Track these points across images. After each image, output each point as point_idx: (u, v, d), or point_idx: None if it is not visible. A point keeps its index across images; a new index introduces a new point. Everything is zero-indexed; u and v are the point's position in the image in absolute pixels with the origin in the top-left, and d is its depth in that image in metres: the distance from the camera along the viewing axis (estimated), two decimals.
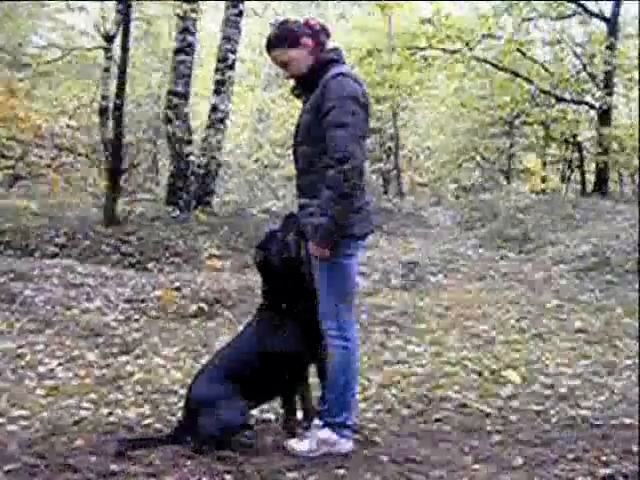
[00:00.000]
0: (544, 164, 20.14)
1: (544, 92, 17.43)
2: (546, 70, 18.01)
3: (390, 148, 21.54)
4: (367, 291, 7.80)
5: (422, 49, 17.22)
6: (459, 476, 3.45)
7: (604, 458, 3.60)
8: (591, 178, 18.12)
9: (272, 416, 4.27)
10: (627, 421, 4.22)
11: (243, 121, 19.74)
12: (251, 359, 3.77)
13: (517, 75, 17.27)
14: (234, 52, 13.66)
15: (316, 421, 3.81)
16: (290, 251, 3.73)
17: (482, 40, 17.41)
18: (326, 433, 3.73)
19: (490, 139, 20.79)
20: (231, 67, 13.55)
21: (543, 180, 19.04)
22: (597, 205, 13.32)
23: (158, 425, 4.19)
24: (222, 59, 13.46)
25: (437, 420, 4.26)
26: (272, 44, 3.80)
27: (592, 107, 17.58)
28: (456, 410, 4.42)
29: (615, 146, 17.73)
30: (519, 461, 3.60)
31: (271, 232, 3.85)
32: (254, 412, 4.09)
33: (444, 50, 17.21)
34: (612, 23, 16.97)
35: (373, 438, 3.97)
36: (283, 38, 3.76)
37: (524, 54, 17.50)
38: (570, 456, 3.65)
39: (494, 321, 6.67)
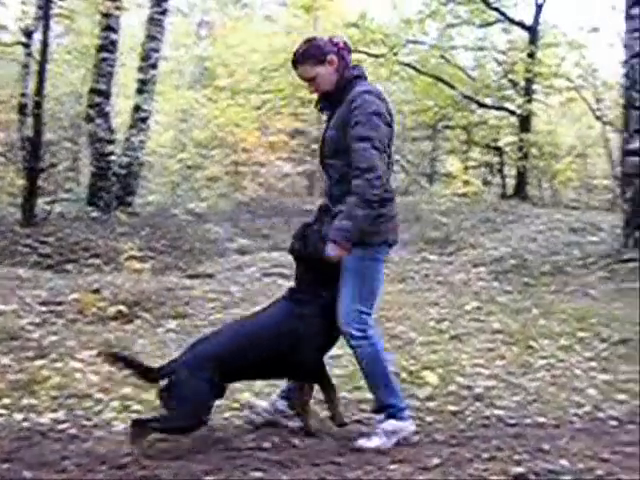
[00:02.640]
0: (466, 168, 20.43)
1: (466, 97, 17.72)
2: (468, 76, 18.35)
3: (315, 150, 21.58)
4: None
5: None
6: (375, 477, 3.47)
7: (517, 457, 3.68)
8: (511, 182, 18.50)
9: None
10: (540, 420, 4.33)
11: (167, 121, 19.52)
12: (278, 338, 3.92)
13: (440, 80, 17.51)
14: (157, 51, 13.55)
15: (377, 416, 3.99)
16: (324, 241, 3.85)
17: (406, 45, 17.61)
18: (390, 424, 3.90)
19: (413, 142, 21.04)
20: (154, 66, 13.45)
21: (465, 184, 19.33)
22: (516, 209, 13.62)
23: (73, 431, 4.11)
24: (145, 58, 13.33)
25: (355, 422, 4.29)
26: (299, 60, 3.96)
27: (513, 113, 17.94)
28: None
29: (534, 151, 18.13)
30: (434, 461, 3.63)
31: (307, 224, 4.05)
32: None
33: (369, 54, 17.34)
34: (533, 31, 17.36)
35: (292, 441, 3.96)
36: (310, 55, 3.93)
37: (447, 60, 17.77)
38: (484, 455, 3.71)
39: (414, 322, 6.72)
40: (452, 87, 17.39)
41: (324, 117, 4.21)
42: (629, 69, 9.91)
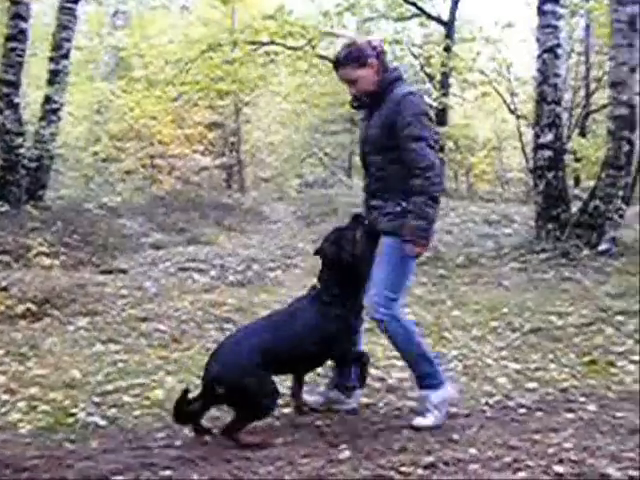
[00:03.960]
0: None
1: None
2: None
3: (233, 143, 21.45)
4: (204, 288, 7.73)
5: (265, 44, 17.22)
6: (287, 471, 3.45)
7: (427, 447, 3.71)
8: None
9: (99, 419, 4.19)
10: (452, 410, 4.36)
11: (80, 112, 19.08)
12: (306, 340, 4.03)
13: None
14: (70, 40, 13.21)
15: (423, 392, 4.15)
16: (359, 248, 4.10)
17: (324, 38, 17.61)
18: (437, 396, 4.10)
19: (332, 135, 21.12)
20: (66, 56, 13.11)
21: None
22: None
23: None
24: (56, 47, 12.99)
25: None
26: (341, 63, 4.14)
27: (429, 106, 18.12)
28: (287, 405, 4.41)
29: (450, 144, 18.41)
30: (346, 454, 3.63)
31: (339, 229, 4.26)
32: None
33: (287, 46, 17.28)
34: (449, 26, 17.60)
35: (203, 438, 3.92)
36: (353, 58, 4.09)
37: None
38: (396, 446, 3.73)
39: None
40: None
41: (359, 116, 4.50)
42: (541, 64, 10.12)
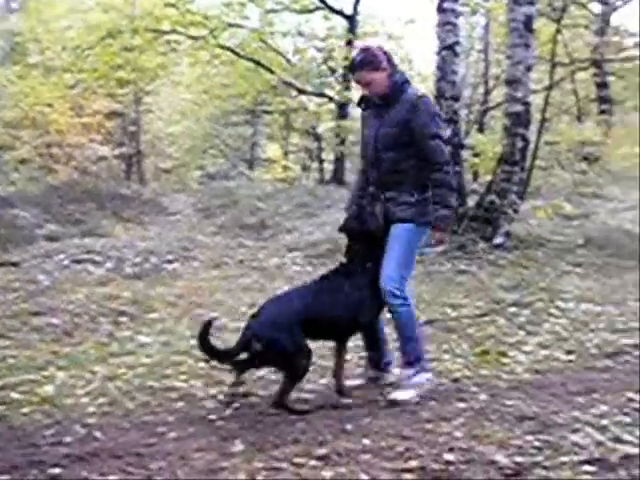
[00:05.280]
0: (285, 153, 20.64)
1: (285, 83, 17.82)
2: (288, 61, 18.45)
3: (133, 133, 21.03)
4: (99, 280, 7.57)
5: (166, 33, 16.94)
6: (179, 466, 3.42)
7: (320, 438, 3.73)
8: (329, 168, 18.84)
9: None
10: (344, 401, 4.40)
11: None
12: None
13: (260, 65, 17.51)
14: None
15: (407, 371, 4.50)
16: (379, 220, 4.50)
17: (227, 28, 17.45)
18: (421, 377, 4.51)
19: (233, 127, 20.97)
20: None
21: (284, 169, 19.51)
22: (333, 194, 13.87)
23: None
24: None
25: (160, 411, 4.21)
26: (357, 67, 4.52)
27: (331, 100, 18.24)
28: (181, 399, 4.41)
29: (352, 138, 18.55)
30: (239, 447, 3.62)
31: (360, 206, 4.64)
32: None
33: (189, 36, 17.05)
34: (352, 20, 17.71)
35: (94, 434, 3.85)
36: (368, 62, 4.48)
37: (267, 44, 17.78)
38: (289, 438, 3.74)
39: (226, 308, 6.70)
40: (271, 72, 17.44)
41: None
42: (440, 61, 10.29)
